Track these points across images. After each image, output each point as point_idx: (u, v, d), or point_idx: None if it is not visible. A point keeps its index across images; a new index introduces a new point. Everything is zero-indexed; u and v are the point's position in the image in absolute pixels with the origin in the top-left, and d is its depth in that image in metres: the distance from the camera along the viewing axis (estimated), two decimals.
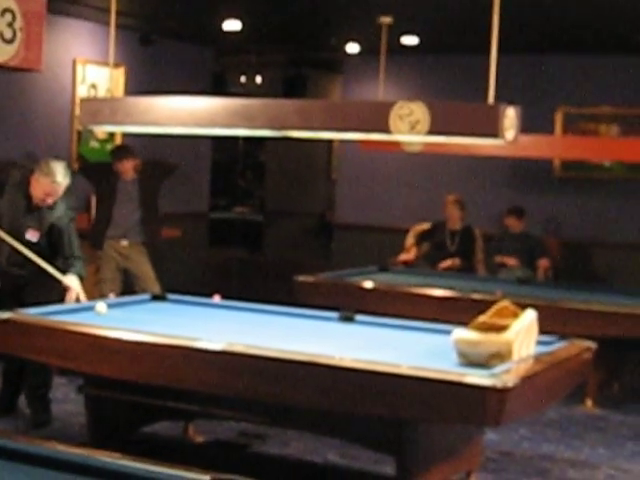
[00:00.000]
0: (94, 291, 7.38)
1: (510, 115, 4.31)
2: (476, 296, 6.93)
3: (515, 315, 4.58)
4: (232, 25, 8.78)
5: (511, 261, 8.90)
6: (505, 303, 4.69)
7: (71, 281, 5.85)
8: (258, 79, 13.08)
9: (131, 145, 8.34)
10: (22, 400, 6.25)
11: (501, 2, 4.63)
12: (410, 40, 9.24)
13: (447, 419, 4.20)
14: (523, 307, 4.73)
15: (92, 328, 4.88)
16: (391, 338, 5.16)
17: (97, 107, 5.08)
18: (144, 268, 8.02)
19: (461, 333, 4.41)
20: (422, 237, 9.26)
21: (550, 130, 9.69)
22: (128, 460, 2.87)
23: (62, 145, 8.63)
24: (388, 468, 4.95)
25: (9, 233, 5.88)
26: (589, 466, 5.77)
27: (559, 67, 9.91)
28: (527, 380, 4.13)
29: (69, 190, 6.01)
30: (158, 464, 2.82)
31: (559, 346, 4.85)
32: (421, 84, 10.40)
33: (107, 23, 5.76)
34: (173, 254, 9.54)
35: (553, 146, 8.53)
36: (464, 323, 4.55)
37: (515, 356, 4.34)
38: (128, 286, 7.98)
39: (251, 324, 5.44)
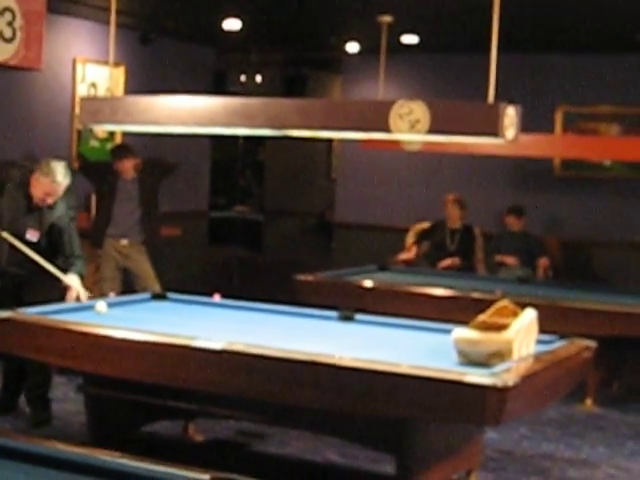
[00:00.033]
0: (94, 290, 7.37)
1: (510, 114, 4.31)
2: (476, 295, 6.93)
3: (515, 314, 4.58)
4: (232, 24, 8.78)
5: (511, 260, 8.90)
6: (505, 302, 4.69)
7: (72, 280, 5.85)
8: (258, 78, 13.09)
9: (131, 144, 8.35)
10: (22, 399, 6.25)
11: (501, 1, 4.63)
12: (410, 39, 9.24)
13: (447, 418, 4.20)
14: (523, 306, 4.73)
15: (92, 327, 4.88)
16: (391, 337, 5.16)
17: (97, 106, 5.08)
18: (144, 267, 8.02)
19: (461, 332, 4.41)
20: (422, 236, 9.26)
21: (550, 129, 9.69)
22: (128, 459, 2.87)
23: (62, 144, 8.62)
24: (388, 467, 4.95)
25: (9, 233, 5.88)
26: (589, 465, 5.77)
27: (559, 66, 9.91)
28: (527, 379, 4.13)
29: (69, 189, 6.01)
30: (158, 463, 2.82)
31: (559, 345, 4.85)
32: (421, 83, 10.40)
33: (107, 22, 5.76)
34: (173, 253, 9.54)
35: (553, 145, 8.53)
36: (464, 322, 4.55)
37: (515, 355, 4.34)
38: (128, 285, 7.98)
39: (251, 323, 5.44)
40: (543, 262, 8.90)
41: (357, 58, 10.50)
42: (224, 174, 13.98)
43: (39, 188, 5.89)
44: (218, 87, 11.27)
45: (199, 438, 5.84)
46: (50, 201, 5.92)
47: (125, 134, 8.93)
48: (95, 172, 8.27)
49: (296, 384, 4.32)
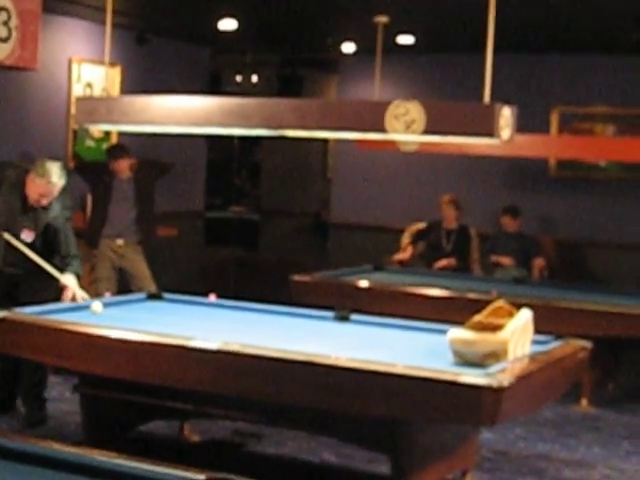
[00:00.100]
0: (90, 290, 7.37)
1: (505, 115, 4.32)
2: (472, 296, 6.94)
3: (510, 314, 4.58)
4: (228, 24, 8.78)
5: (506, 260, 8.91)
6: (500, 303, 4.69)
7: (68, 280, 5.84)
8: (254, 78, 13.08)
9: (127, 144, 8.34)
10: (17, 399, 6.25)
11: (496, 2, 4.64)
12: (406, 39, 9.24)
13: (442, 418, 4.20)
14: (518, 307, 4.74)
15: (88, 327, 4.87)
16: (386, 337, 5.16)
17: (93, 106, 5.08)
18: (140, 267, 8.02)
19: (457, 332, 4.41)
20: (418, 236, 9.26)
21: (545, 130, 9.70)
22: (124, 459, 2.87)
23: (58, 144, 8.62)
24: (383, 467, 4.95)
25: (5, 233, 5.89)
26: (584, 465, 5.78)
27: (555, 67, 9.92)
28: (522, 379, 4.13)
29: (64, 190, 6.00)
30: (153, 463, 2.82)
31: (554, 345, 4.85)
32: (417, 83, 10.40)
33: (103, 22, 5.76)
34: (169, 253, 9.54)
35: (548, 146, 8.55)
36: (460, 322, 4.56)
37: (510, 355, 4.34)
38: (124, 285, 7.97)
39: (246, 323, 5.44)
40: (539, 262, 8.91)
41: (353, 58, 10.51)
42: (220, 174, 13.97)
43: (34, 189, 5.88)
44: (214, 87, 11.27)
45: (195, 438, 5.83)
46: (45, 202, 5.92)
47: (121, 134, 8.93)
48: (91, 172, 8.26)
49: (292, 384, 4.32)
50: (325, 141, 12.73)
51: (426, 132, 4.33)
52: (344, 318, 5.49)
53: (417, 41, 9.38)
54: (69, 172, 6.50)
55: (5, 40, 5.15)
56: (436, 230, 9.09)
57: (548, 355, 4.63)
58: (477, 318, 4.54)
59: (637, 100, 9.60)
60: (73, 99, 8.34)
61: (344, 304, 6.05)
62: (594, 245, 9.88)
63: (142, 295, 6.13)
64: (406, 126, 4.31)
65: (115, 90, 9.03)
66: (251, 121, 4.63)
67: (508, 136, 4.35)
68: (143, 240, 8.07)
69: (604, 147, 8.45)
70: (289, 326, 5.41)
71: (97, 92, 8.90)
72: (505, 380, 3.97)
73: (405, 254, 9.16)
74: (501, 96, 4.52)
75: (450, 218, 9.04)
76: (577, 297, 7.19)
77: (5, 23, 5.14)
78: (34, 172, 5.86)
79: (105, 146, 8.85)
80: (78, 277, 5.94)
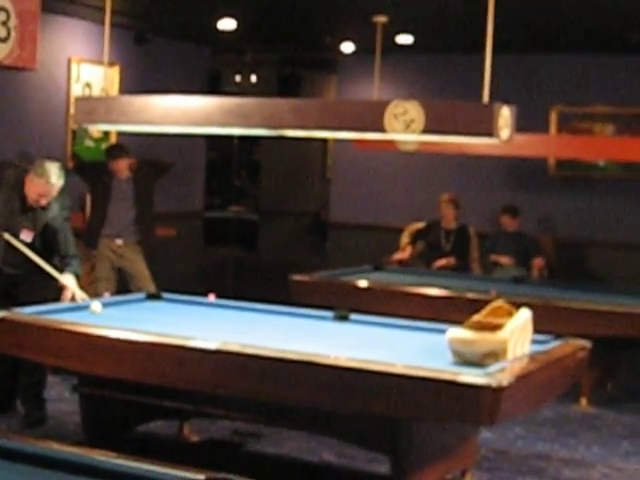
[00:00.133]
0: (89, 290, 7.37)
1: (505, 114, 4.31)
2: (471, 295, 6.94)
3: (510, 314, 4.58)
4: (227, 24, 8.78)
5: (505, 260, 8.91)
6: (500, 302, 4.69)
7: (67, 280, 5.84)
8: (253, 78, 13.08)
9: (126, 144, 8.34)
10: (17, 399, 6.25)
11: (496, 2, 4.64)
12: (405, 39, 9.24)
13: (442, 418, 4.20)
14: (518, 306, 4.74)
15: (87, 327, 4.87)
16: (386, 337, 5.16)
17: (92, 106, 5.08)
18: (139, 267, 8.02)
19: (456, 332, 4.41)
20: (417, 236, 9.27)
21: (545, 129, 9.70)
22: (123, 459, 2.87)
23: (57, 144, 8.61)
24: (383, 467, 4.95)
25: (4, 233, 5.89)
26: (584, 465, 5.78)
27: (554, 66, 9.92)
28: (522, 379, 4.13)
29: (63, 190, 6.00)
30: (153, 463, 2.82)
31: (554, 345, 4.85)
32: (416, 83, 10.40)
33: (102, 22, 5.77)
34: (168, 253, 9.54)
35: (548, 145, 8.54)
36: (459, 322, 4.56)
37: (510, 355, 4.34)
38: (123, 285, 7.97)
39: (246, 323, 5.44)
40: (538, 262, 8.91)
41: (352, 58, 10.51)
42: (219, 174, 13.98)
43: (33, 189, 5.88)
44: (213, 87, 11.27)
45: (194, 438, 5.83)
46: (44, 202, 5.92)
47: (120, 134, 8.93)
48: (90, 172, 8.26)
49: (291, 384, 4.32)
50: (324, 141, 12.73)
51: (425, 132, 4.33)
52: (343, 318, 5.49)
53: (416, 41, 9.38)
54: (68, 172, 6.50)
55: (4, 40, 5.14)
56: (435, 230, 9.09)
57: (547, 355, 4.63)
58: (476, 318, 4.54)
59: (636, 100, 9.61)
60: (72, 99, 8.33)
61: (343, 304, 6.05)
62: (593, 244, 9.88)
63: (141, 295, 6.13)
64: (405, 126, 4.31)
65: (114, 90, 9.03)
66: (250, 121, 4.62)
67: (507, 136, 4.35)
68: (142, 240, 8.06)
69: (603, 147, 8.45)
70: (288, 326, 5.41)
71: (96, 92, 8.90)
72: (504, 380, 3.97)
73: (404, 254, 9.16)
74: (500, 96, 4.52)
75: (449, 218, 9.04)
76: (576, 296, 7.19)
77: (4, 23, 5.14)
78: (33, 172, 5.86)
79: (104, 146, 8.84)
80: (77, 277, 5.94)
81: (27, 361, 5.60)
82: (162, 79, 9.60)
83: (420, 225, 9.31)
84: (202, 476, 2.72)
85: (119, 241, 7.99)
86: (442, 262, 8.87)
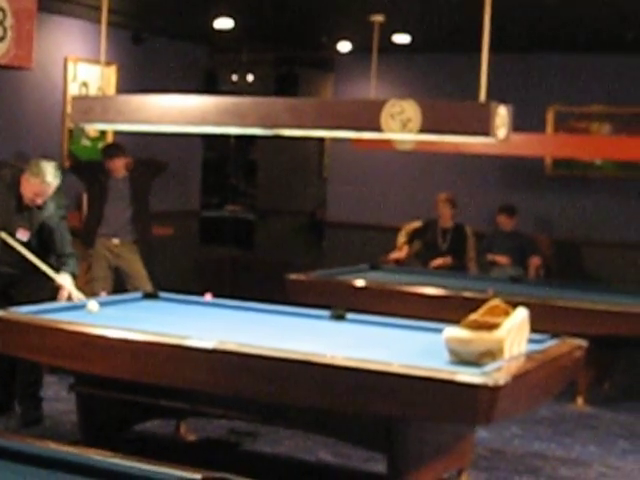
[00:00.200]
0: (86, 289, 7.37)
1: (501, 113, 4.32)
2: (467, 294, 6.94)
3: (506, 313, 4.58)
4: (224, 23, 8.77)
5: (502, 259, 8.90)
6: (496, 301, 4.70)
7: (64, 280, 5.84)
8: (250, 77, 13.08)
9: (122, 143, 8.33)
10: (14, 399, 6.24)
11: (492, 1, 4.64)
12: (402, 38, 9.25)
13: (438, 417, 4.21)
14: (514, 305, 4.74)
15: (83, 326, 4.87)
16: (382, 336, 5.16)
17: (88, 105, 5.07)
18: (136, 266, 8.01)
19: (452, 331, 4.41)
20: (413, 235, 9.26)
21: (541, 128, 9.70)
22: (120, 458, 2.87)
23: (53, 143, 8.61)
24: (379, 466, 4.95)
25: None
26: (580, 464, 5.78)
27: (550, 66, 9.93)
28: (518, 378, 4.13)
29: (59, 189, 6.00)
30: (150, 462, 2.82)
31: (550, 344, 4.86)
32: (413, 82, 10.41)
33: (98, 21, 5.74)
34: (164, 252, 9.53)
35: (544, 144, 8.54)
36: (455, 321, 4.56)
37: (506, 354, 4.34)
38: (120, 284, 7.97)
39: (242, 322, 5.44)
40: (535, 261, 8.91)
41: (349, 57, 10.51)
42: (215, 173, 13.97)
43: (29, 188, 5.88)
44: (210, 86, 11.25)
45: (191, 437, 5.83)
46: (40, 201, 5.91)
47: (116, 133, 8.92)
48: (86, 171, 8.26)
49: (288, 383, 4.32)
50: (321, 140, 12.73)
51: (422, 131, 4.33)
52: (340, 317, 5.49)
53: (413, 40, 9.38)
54: (64, 171, 6.49)
55: (0, 39, 5.14)
56: (432, 229, 9.09)
57: (544, 354, 4.63)
58: (473, 317, 4.54)
59: (633, 99, 9.61)
60: (69, 98, 8.32)
61: (340, 303, 6.05)
62: (590, 244, 9.88)
63: (138, 294, 6.13)
64: (402, 125, 4.31)
65: (111, 89, 9.02)
66: (247, 120, 4.62)
67: (504, 135, 4.35)
68: (139, 239, 8.06)
69: (600, 146, 8.46)
70: (285, 325, 5.41)
71: (93, 91, 8.89)
72: (501, 379, 3.97)
73: (401, 253, 9.16)
74: (497, 95, 4.52)
75: (446, 217, 9.04)
76: (573, 296, 7.20)
77: (0, 22, 5.14)
78: (29, 171, 5.85)
79: (101, 145, 8.84)
80: (74, 276, 5.94)
81: (24, 360, 5.60)
82: (159, 78, 9.59)
83: (417, 224, 9.31)
84: (199, 475, 2.72)
85: (116, 240, 7.99)
86: (439, 261, 8.87)
